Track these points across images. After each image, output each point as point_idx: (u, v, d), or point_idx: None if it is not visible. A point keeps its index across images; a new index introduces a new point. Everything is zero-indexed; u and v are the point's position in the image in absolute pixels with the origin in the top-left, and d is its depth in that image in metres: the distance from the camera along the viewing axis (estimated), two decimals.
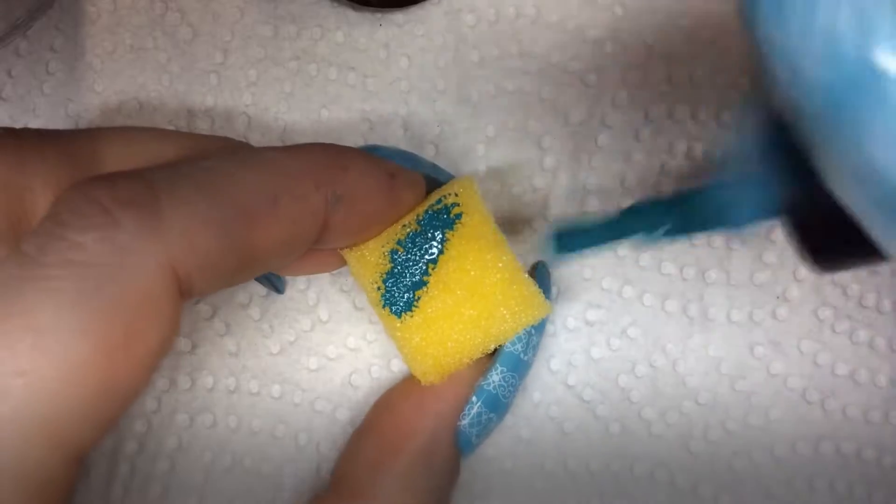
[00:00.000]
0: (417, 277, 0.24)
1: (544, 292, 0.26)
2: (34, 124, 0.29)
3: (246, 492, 0.28)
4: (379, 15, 0.29)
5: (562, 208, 0.29)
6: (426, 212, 0.25)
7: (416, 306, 0.24)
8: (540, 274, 0.27)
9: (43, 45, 0.29)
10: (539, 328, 0.26)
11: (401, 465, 0.24)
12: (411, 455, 0.24)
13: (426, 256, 0.24)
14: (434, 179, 0.26)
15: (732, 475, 0.29)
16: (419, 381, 0.25)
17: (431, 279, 0.24)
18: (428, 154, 0.29)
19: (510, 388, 0.26)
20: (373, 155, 0.24)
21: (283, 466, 0.28)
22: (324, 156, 0.22)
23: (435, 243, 0.24)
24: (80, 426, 0.18)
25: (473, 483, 0.28)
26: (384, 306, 0.24)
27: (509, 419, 0.28)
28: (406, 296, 0.24)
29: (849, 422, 0.29)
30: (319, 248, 0.24)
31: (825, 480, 0.29)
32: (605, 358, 0.29)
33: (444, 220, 0.25)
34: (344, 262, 0.26)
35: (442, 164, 0.29)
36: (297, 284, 0.29)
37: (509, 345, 0.26)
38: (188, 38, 0.29)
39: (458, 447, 0.25)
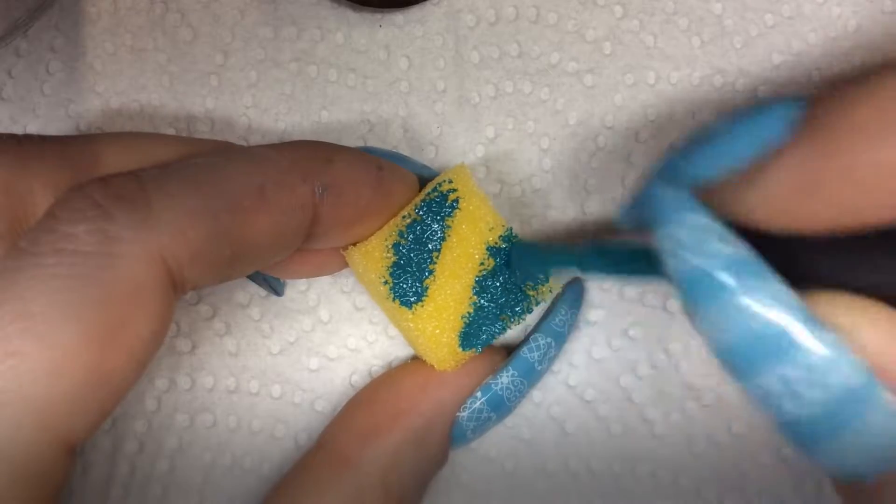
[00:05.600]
0: (423, 266, 0.25)
1: (576, 307, 0.27)
2: (34, 124, 0.29)
3: (246, 492, 0.28)
4: (379, 16, 0.29)
5: (562, 209, 0.29)
6: (423, 202, 0.25)
7: (425, 296, 0.24)
8: (575, 291, 0.28)
9: (43, 45, 0.29)
10: (559, 341, 0.27)
11: (392, 440, 0.24)
12: (404, 433, 0.24)
13: (429, 245, 0.25)
14: (426, 179, 0.26)
15: (738, 477, 0.29)
16: (426, 365, 0.25)
17: (437, 267, 0.25)
18: (428, 155, 0.29)
19: (517, 393, 0.26)
20: (359, 150, 0.25)
21: (283, 466, 0.28)
22: (309, 150, 0.23)
23: (436, 231, 0.25)
24: (71, 414, 0.18)
25: (475, 483, 0.28)
26: (394, 299, 0.24)
27: (510, 420, 0.28)
28: (415, 286, 0.24)
29: None
30: (317, 246, 0.24)
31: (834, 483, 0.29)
32: (606, 358, 0.29)
33: (443, 207, 0.25)
34: (344, 265, 0.26)
35: (442, 164, 0.29)
36: (298, 285, 0.29)
37: (526, 350, 0.26)
38: (188, 39, 0.29)
39: (451, 437, 0.25)
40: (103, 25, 0.29)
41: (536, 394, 0.29)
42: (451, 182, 0.25)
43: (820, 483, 0.29)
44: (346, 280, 0.29)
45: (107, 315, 0.18)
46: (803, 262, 0.17)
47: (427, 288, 0.24)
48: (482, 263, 0.25)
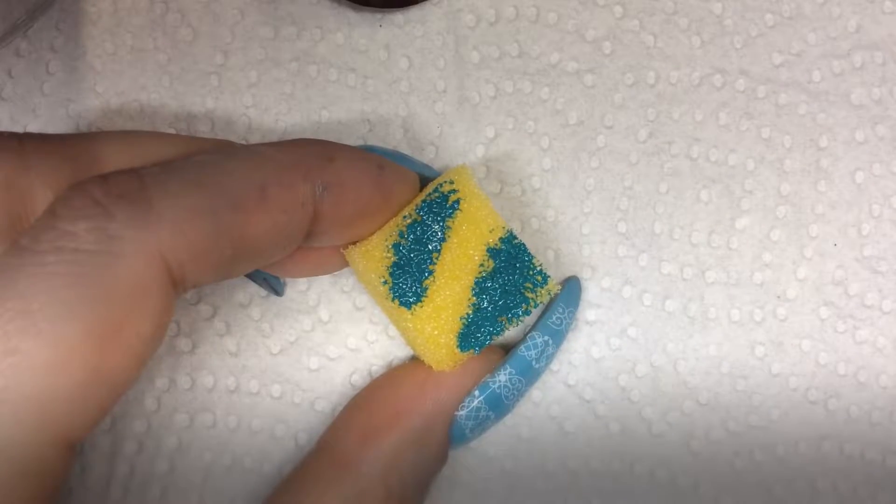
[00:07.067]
0: (423, 267, 0.25)
1: (573, 305, 0.27)
2: (34, 124, 0.29)
3: (246, 492, 0.28)
4: (379, 16, 0.29)
5: (562, 209, 0.29)
6: (424, 202, 0.25)
7: (424, 296, 0.24)
8: (572, 289, 0.28)
9: (43, 45, 0.29)
10: (556, 339, 0.27)
11: (391, 442, 0.24)
12: (403, 434, 0.24)
13: (429, 246, 0.25)
14: (427, 179, 0.26)
15: (734, 475, 0.29)
16: (424, 365, 0.25)
17: (437, 268, 0.25)
18: (428, 155, 0.29)
19: (515, 391, 0.26)
20: (360, 148, 0.25)
21: (283, 466, 0.28)
22: (310, 148, 0.23)
23: (436, 232, 0.25)
24: (71, 411, 0.18)
25: (474, 483, 0.28)
26: (393, 299, 0.24)
27: (509, 419, 0.28)
28: (414, 286, 0.24)
29: (852, 422, 0.29)
30: (317, 244, 0.24)
31: (828, 481, 0.29)
32: (605, 357, 0.29)
33: (444, 208, 0.25)
34: (345, 264, 0.26)
35: (442, 164, 0.29)
36: (298, 285, 0.29)
37: (524, 349, 0.26)
38: (188, 39, 0.29)
39: (451, 437, 0.25)
40: (103, 25, 0.29)
41: (536, 393, 0.29)
42: (452, 183, 0.25)
43: (813, 480, 0.29)
44: (346, 280, 0.29)
45: (107, 313, 0.18)
46: None
47: (426, 288, 0.25)
48: (482, 265, 0.25)
